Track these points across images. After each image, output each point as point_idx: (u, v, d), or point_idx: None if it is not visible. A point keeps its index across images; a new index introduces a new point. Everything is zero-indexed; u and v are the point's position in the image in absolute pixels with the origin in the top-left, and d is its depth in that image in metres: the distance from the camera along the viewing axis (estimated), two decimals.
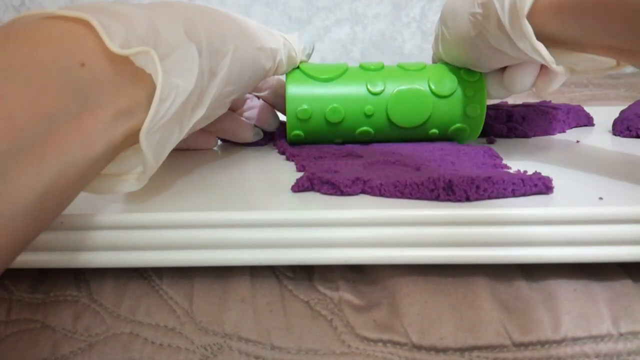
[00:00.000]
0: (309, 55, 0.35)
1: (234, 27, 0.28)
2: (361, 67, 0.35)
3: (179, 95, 0.22)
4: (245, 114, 0.37)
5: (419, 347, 0.22)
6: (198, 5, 0.27)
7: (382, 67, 0.35)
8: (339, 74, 0.34)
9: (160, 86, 0.21)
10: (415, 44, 0.71)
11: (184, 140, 0.33)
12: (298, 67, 0.35)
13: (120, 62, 0.20)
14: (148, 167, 0.22)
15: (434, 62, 0.38)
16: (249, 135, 0.36)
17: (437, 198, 0.24)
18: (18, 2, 0.68)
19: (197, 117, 0.25)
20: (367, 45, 0.71)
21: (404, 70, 0.34)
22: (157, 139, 0.21)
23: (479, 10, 0.30)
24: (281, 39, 0.32)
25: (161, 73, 0.21)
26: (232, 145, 0.38)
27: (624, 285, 0.24)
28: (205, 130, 0.34)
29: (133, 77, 0.20)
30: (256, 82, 0.31)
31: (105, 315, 0.23)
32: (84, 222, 0.23)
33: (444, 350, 0.22)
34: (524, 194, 0.25)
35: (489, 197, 0.24)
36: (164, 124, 0.21)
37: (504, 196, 0.25)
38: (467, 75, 0.34)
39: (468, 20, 0.31)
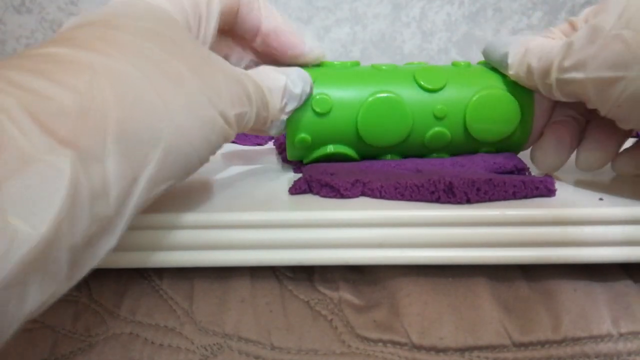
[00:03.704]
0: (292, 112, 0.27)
1: (176, 90, 0.19)
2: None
3: (17, 247, 0.14)
4: None
5: (419, 347, 0.22)
6: (125, 54, 0.18)
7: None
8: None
9: None
10: (415, 44, 0.71)
11: None
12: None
13: None
14: None
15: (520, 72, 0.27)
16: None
17: (437, 200, 0.24)
18: (18, 2, 0.68)
19: (100, 255, 0.17)
20: (367, 45, 0.71)
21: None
22: None
23: None
24: (253, 90, 0.24)
25: None
26: (231, 145, 0.38)
27: (624, 285, 0.24)
28: None
29: None
30: (208, 157, 0.22)
31: (105, 315, 0.23)
32: None
33: (444, 350, 0.22)
34: (525, 197, 0.25)
35: (490, 199, 0.24)
36: None
37: (505, 198, 0.25)
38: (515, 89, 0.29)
39: None
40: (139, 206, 0.18)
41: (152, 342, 0.22)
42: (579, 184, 0.27)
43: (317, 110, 0.28)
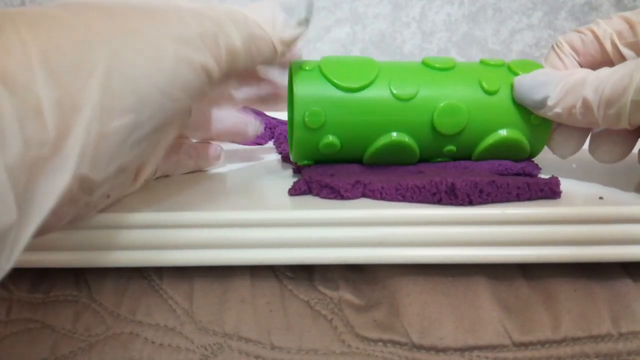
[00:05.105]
0: (305, 22, 0.25)
1: (109, 20, 0.19)
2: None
3: None
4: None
5: (419, 347, 0.22)
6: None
7: None
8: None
9: None
10: (415, 43, 0.71)
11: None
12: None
13: None
14: None
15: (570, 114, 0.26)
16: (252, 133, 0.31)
17: (439, 202, 0.24)
18: (18, 2, 0.68)
19: (55, 191, 0.17)
20: (367, 45, 0.71)
21: None
22: None
23: None
24: (224, 12, 0.22)
25: None
26: (231, 144, 0.38)
27: (624, 285, 0.24)
28: (208, 143, 0.31)
29: None
30: (176, 93, 0.20)
31: (105, 315, 0.23)
32: (83, 221, 0.23)
33: (444, 350, 0.22)
34: (529, 199, 0.25)
35: (493, 201, 0.24)
36: None
37: (508, 200, 0.24)
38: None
39: None
40: (98, 141, 0.18)
41: (152, 342, 0.22)
42: (579, 182, 0.27)
43: (325, 152, 0.28)
